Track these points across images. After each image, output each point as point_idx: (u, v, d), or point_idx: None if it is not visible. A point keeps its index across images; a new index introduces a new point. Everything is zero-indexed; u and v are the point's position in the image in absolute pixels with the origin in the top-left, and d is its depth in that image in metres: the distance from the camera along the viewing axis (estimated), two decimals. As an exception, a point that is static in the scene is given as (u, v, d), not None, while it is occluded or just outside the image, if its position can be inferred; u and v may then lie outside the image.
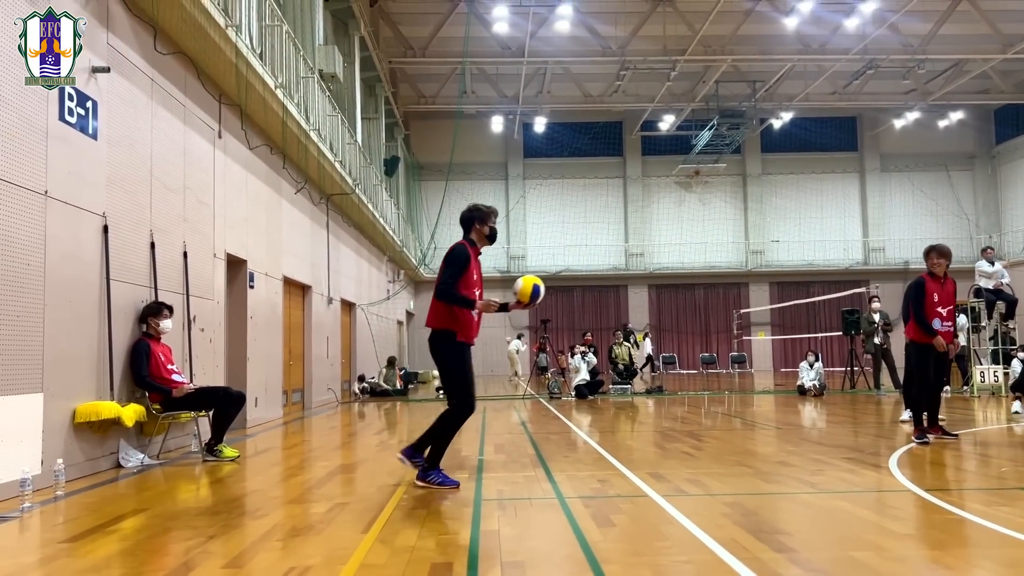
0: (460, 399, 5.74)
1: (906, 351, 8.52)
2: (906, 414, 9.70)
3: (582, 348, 17.16)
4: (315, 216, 15.06)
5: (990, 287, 15.00)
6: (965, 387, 15.00)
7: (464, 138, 30.83)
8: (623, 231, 33.80)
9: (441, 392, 18.35)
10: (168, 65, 8.36)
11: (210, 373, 9.28)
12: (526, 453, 7.75)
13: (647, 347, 19.15)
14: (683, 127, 31.12)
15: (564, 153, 33.72)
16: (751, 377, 26.73)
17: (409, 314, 30.18)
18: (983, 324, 15.28)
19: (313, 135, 12.63)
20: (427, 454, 5.83)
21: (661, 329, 33.07)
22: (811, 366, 15.69)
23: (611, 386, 17.59)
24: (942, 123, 31.46)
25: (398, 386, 18.51)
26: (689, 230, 33.75)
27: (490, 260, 33.21)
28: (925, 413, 8.25)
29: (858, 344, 17.45)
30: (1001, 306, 15.13)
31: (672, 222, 33.88)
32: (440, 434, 5.78)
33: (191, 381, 7.99)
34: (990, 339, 15.32)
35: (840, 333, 19.04)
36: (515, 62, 25.32)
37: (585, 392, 15.94)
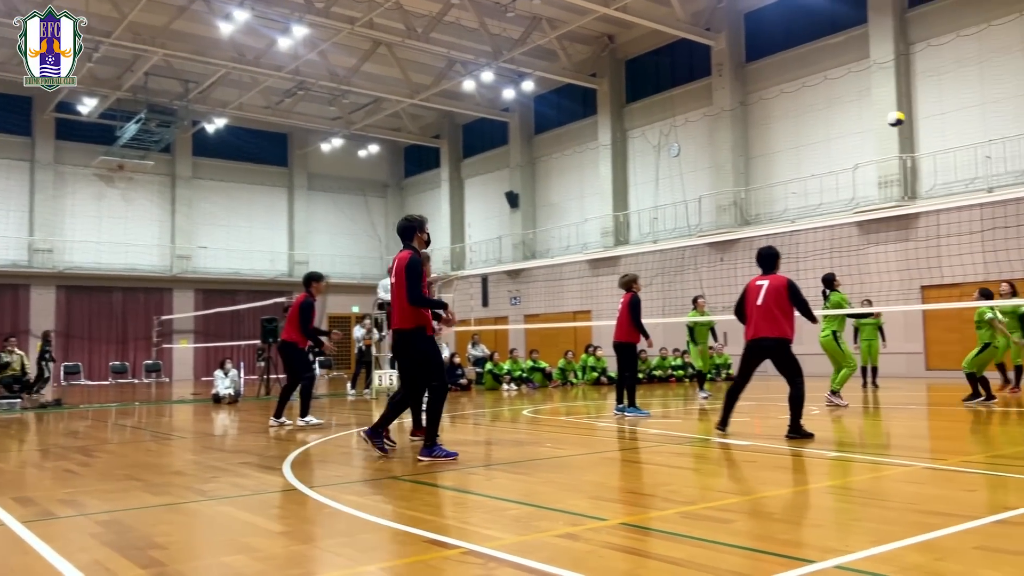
0: (441, 380, 6.79)
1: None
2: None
3: (-44, 356, 14.25)
4: None
5: (390, 300, 16.88)
6: (367, 390, 16.58)
7: None
8: (27, 223, 29.40)
9: None
10: None
11: None
12: None
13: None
14: (107, 115, 28.48)
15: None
16: (168, 386, 25.57)
17: None
18: (384, 333, 17.10)
19: None
20: (426, 433, 6.72)
21: (70, 336, 29.57)
22: (226, 374, 15.62)
23: (-5, 401, 14.99)
24: (362, 152, 34.72)
25: None
26: (109, 228, 30.92)
27: None
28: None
29: (275, 351, 17.95)
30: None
31: (89, 218, 30.63)
32: (435, 415, 6.72)
33: None
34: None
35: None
36: None
37: (-45, 409, 13.25)
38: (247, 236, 34.01)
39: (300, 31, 22.15)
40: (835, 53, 21.97)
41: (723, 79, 24.01)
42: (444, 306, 7.05)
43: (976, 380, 11.02)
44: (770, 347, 7.88)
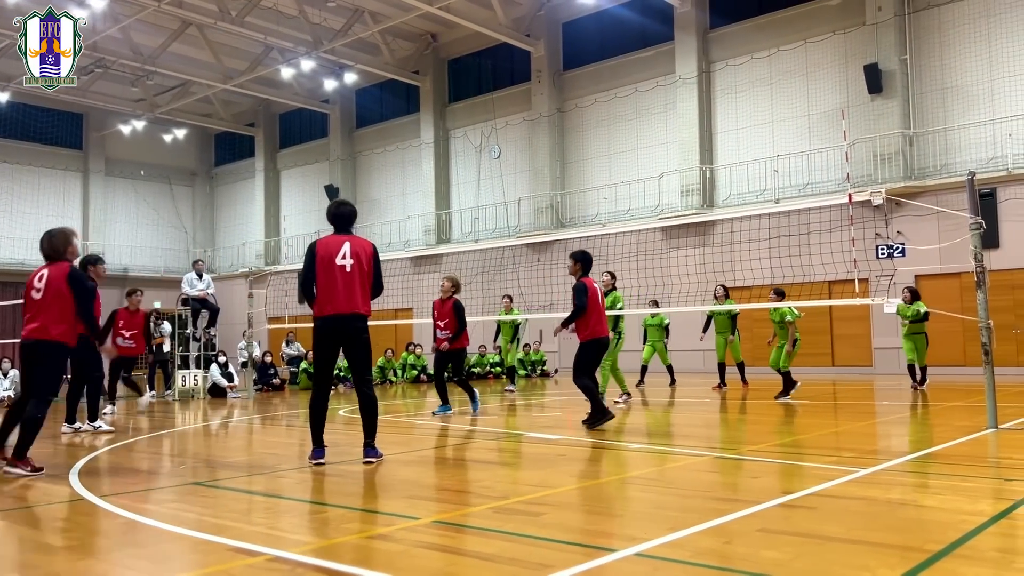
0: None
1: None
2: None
3: None
4: None
5: (195, 296, 15.97)
6: (168, 391, 15.57)
7: None
8: None
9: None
10: None
11: None
12: None
13: None
14: None
15: None
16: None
17: None
18: (189, 331, 16.15)
19: None
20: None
21: None
22: (5, 375, 14.17)
23: None
24: (168, 137, 32.56)
25: None
26: None
27: None
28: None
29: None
30: (206, 314, 16.25)
31: None
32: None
33: None
34: (196, 344, 16.25)
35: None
36: None
37: None
38: (34, 223, 30.89)
39: (99, 3, 20.45)
40: (645, 67, 23.25)
41: (542, 85, 24.73)
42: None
43: (788, 376, 11.58)
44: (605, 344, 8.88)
